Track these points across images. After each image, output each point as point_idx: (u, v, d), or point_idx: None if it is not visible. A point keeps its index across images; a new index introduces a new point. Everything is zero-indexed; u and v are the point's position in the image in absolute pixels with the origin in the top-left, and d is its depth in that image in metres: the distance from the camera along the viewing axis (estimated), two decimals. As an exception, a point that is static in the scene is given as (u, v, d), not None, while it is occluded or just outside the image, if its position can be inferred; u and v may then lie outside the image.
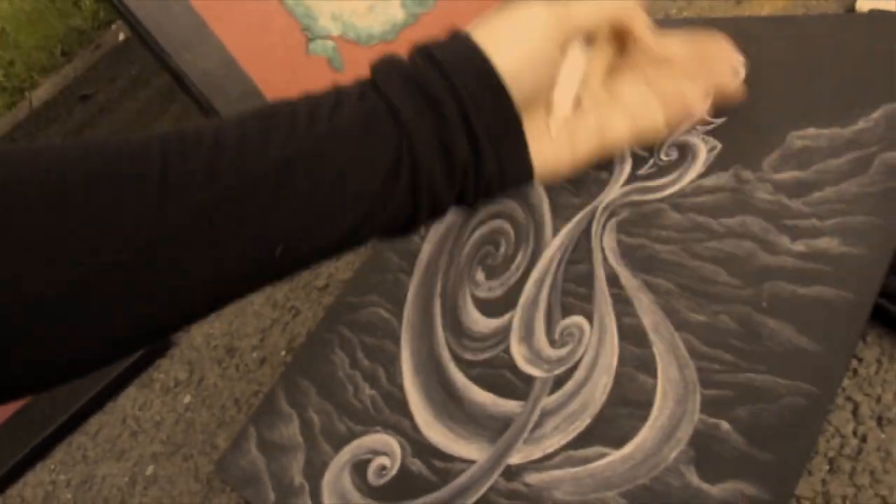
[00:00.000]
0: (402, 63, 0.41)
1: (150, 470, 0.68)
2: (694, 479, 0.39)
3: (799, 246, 0.44)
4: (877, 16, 0.56)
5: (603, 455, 0.43)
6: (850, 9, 0.60)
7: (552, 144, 0.46)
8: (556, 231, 0.54)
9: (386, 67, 0.41)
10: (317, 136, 0.37)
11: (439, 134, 0.39)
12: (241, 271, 0.37)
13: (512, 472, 0.44)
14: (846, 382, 0.45)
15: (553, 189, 0.57)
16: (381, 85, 0.39)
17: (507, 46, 0.41)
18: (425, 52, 0.41)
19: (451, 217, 0.62)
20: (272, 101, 0.41)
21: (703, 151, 0.52)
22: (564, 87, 0.46)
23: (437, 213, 0.42)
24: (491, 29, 0.42)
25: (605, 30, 0.47)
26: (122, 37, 1.54)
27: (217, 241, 0.35)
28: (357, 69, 0.79)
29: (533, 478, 0.44)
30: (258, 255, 0.36)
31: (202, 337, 0.75)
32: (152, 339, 0.38)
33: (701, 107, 0.49)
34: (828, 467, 0.43)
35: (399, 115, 0.38)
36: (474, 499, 0.45)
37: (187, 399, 0.70)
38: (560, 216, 0.55)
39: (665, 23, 0.67)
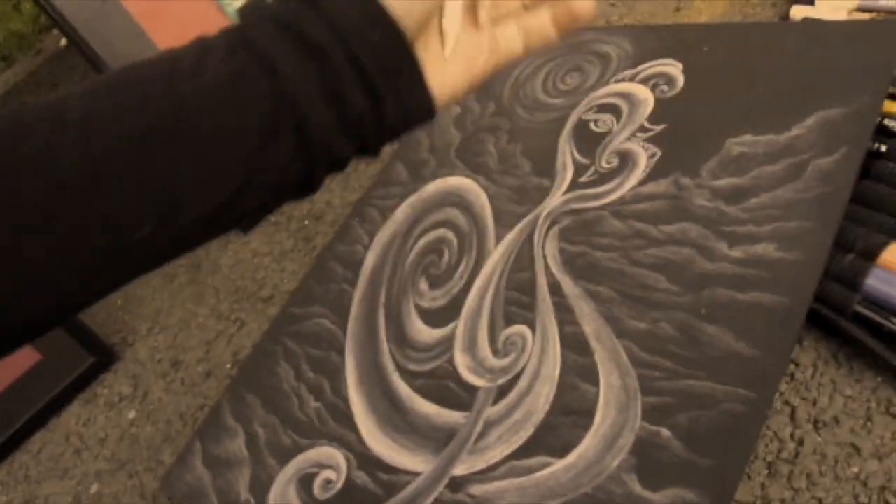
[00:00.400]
0: (273, 7, 0.36)
1: (94, 488, 0.66)
2: (636, 486, 0.40)
3: (736, 252, 0.45)
4: (810, 24, 0.57)
5: (546, 464, 0.43)
6: (785, 17, 0.61)
7: (447, 66, 0.42)
8: (498, 239, 0.54)
9: (256, 13, 0.36)
10: (175, 103, 0.34)
11: (327, 86, 0.35)
12: (99, 261, 0.33)
13: (456, 484, 0.44)
14: (783, 387, 0.46)
15: (496, 197, 0.57)
16: (252, 35, 0.35)
17: None
18: None
19: (395, 226, 0.62)
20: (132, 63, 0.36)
21: (644, 158, 0.52)
22: (452, 7, 0.42)
23: (338, 167, 0.38)
24: None
25: None
26: (63, 42, 1.51)
27: (58, 231, 0.32)
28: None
29: (477, 489, 0.44)
30: (116, 243, 0.33)
31: (146, 350, 0.74)
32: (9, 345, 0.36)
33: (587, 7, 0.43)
34: (766, 471, 0.44)
35: (276, 70, 0.34)
36: (420, 511, 0.44)
37: (132, 414, 0.69)
38: (503, 224, 0.55)
39: (607, 29, 0.67)
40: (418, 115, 0.39)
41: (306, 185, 0.38)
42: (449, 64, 0.42)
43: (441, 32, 0.42)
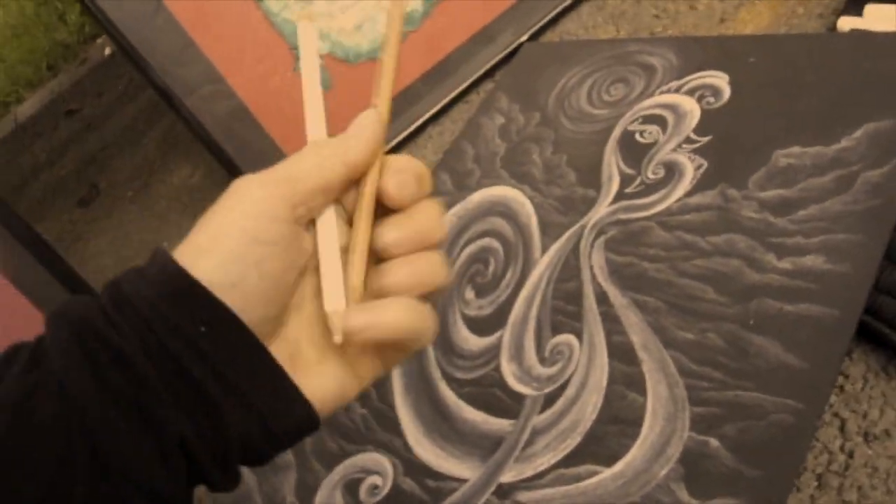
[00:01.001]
0: (80, 307, 0.29)
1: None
2: (684, 496, 0.40)
3: (785, 263, 0.45)
4: (858, 35, 0.57)
5: (594, 473, 0.43)
6: (832, 28, 0.61)
7: (328, 363, 0.33)
8: (544, 249, 0.54)
9: (59, 315, 0.29)
10: None
11: (129, 403, 0.27)
12: None
13: (504, 491, 0.45)
14: (833, 399, 0.45)
15: (541, 207, 0.57)
16: (49, 342, 0.28)
17: (213, 248, 0.29)
18: (115, 287, 0.29)
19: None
20: None
21: (690, 170, 0.52)
22: (331, 271, 0.33)
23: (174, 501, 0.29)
24: (196, 233, 0.30)
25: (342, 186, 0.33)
26: (108, 51, 1.54)
27: None
28: (346, 87, 0.79)
29: (524, 496, 0.44)
30: None
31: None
32: None
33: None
34: (816, 483, 0.44)
35: (65, 388, 0.27)
36: (466, 517, 0.45)
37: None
38: (549, 234, 0.55)
39: (651, 41, 0.68)
40: (289, 426, 0.31)
41: None
42: (333, 357, 0.33)
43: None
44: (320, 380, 0.32)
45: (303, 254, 0.32)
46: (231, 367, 0.29)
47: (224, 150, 0.76)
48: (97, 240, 1.00)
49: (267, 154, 0.77)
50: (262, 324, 0.30)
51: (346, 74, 0.78)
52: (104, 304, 0.29)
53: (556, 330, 0.50)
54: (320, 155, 0.32)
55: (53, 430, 0.27)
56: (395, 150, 0.82)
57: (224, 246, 0.29)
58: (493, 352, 0.52)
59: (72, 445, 0.27)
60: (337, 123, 0.79)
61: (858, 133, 0.48)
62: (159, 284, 0.29)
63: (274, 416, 0.29)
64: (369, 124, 0.33)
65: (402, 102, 0.82)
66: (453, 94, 0.83)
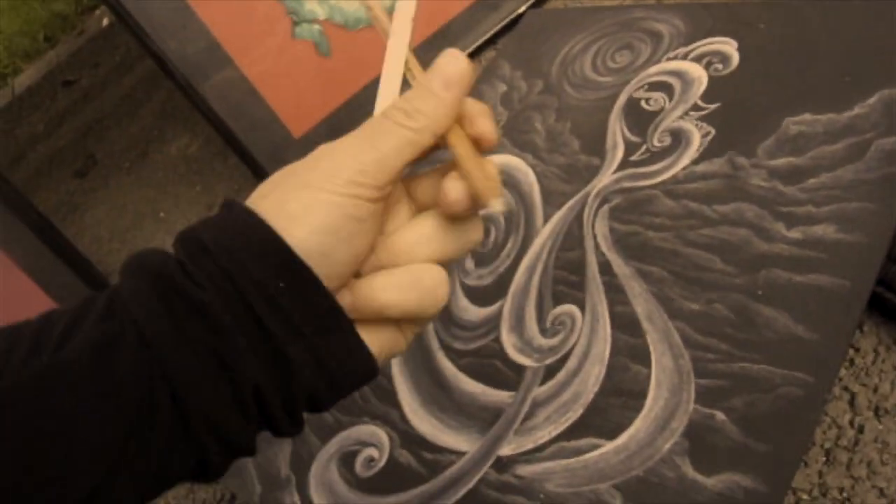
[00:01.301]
0: (157, 258, 0.30)
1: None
2: (689, 470, 0.39)
3: (794, 233, 0.44)
4: (872, 1, 0.55)
5: (596, 446, 0.42)
6: (846, -7, 0.59)
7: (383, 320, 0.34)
8: (547, 218, 0.53)
9: (135, 267, 0.30)
10: (22, 381, 0.28)
11: (210, 353, 0.29)
12: None
13: (503, 464, 0.44)
14: (843, 373, 0.44)
15: (544, 175, 0.56)
16: (127, 294, 0.29)
17: (306, 218, 0.31)
18: (192, 237, 0.30)
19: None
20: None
21: (697, 137, 0.51)
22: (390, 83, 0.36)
23: (241, 451, 0.31)
24: (283, 199, 0.32)
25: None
26: (105, 22, 1.52)
27: None
28: (344, 53, 0.78)
29: (524, 469, 0.43)
30: None
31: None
32: None
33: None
34: (825, 459, 0.42)
35: (145, 337, 0.28)
36: (465, 491, 0.44)
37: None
38: (551, 203, 0.54)
39: (658, 7, 0.66)
40: (350, 378, 0.32)
41: (201, 473, 0.31)
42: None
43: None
44: (377, 335, 0.33)
45: (382, 223, 0.34)
46: (308, 325, 0.30)
47: (221, 118, 0.74)
48: (94, 210, 0.98)
49: (264, 122, 0.76)
50: (336, 283, 0.32)
51: (345, 40, 0.77)
52: (181, 253, 0.30)
53: (558, 300, 0.49)
54: (410, 129, 0.33)
55: (134, 378, 0.28)
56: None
57: (317, 218, 0.31)
58: (493, 322, 0.50)
59: (153, 392, 0.28)
60: (336, 89, 0.77)
61: (872, 100, 0.47)
62: (241, 237, 0.30)
63: (342, 372, 0.31)
64: (451, 84, 0.33)
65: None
66: (454, 63, 0.81)
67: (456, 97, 0.33)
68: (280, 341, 0.30)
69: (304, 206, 0.31)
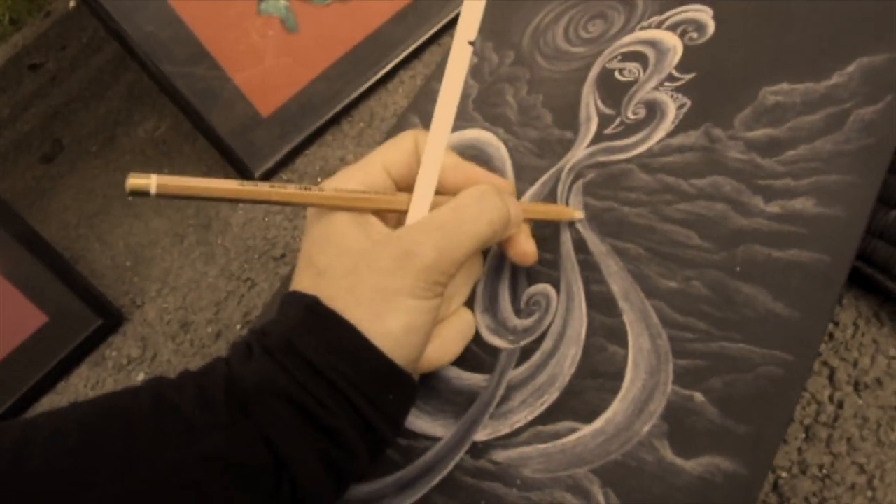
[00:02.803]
0: (283, 383, 0.34)
1: (104, 452, 0.65)
2: (668, 453, 0.38)
3: (773, 207, 0.43)
4: (850, -35, 0.53)
5: (573, 430, 0.41)
6: (822, -42, 0.57)
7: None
8: (520, 194, 0.51)
9: (263, 391, 0.34)
10: (160, 475, 0.31)
11: (338, 470, 0.35)
12: None
13: (478, 450, 0.42)
14: (822, 347, 0.43)
15: (516, 150, 0.54)
16: (255, 407, 0.33)
17: (389, 319, 0.36)
18: (304, 360, 0.35)
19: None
20: (108, 401, 0.34)
21: (673, 109, 0.50)
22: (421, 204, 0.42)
23: None
24: (365, 298, 0.36)
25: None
26: (72, 4, 1.49)
27: None
28: (312, 29, 0.76)
29: (500, 455, 0.42)
30: None
31: (155, 312, 0.72)
32: None
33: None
34: (804, 435, 0.42)
35: (283, 459, 0.33)
36: (440, 478, 0.43)
37: (141, 376, 0.68)
38: (524, 178, 0.52)
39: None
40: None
41: None
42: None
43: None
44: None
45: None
46: (400, 422, 0.39)
47: (187, 99, 0.72)
48: (61, 195, 0.96)
49: (231, 101, 0.74)
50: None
51: (313, 15, 0.75)
52: (299, 376, 0.34)
53: (532, 279, 0.47)
54: (466, 247, 0.39)
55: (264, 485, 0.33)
56: (365, 95, 0.79)
57: (408, 324, 0.36)
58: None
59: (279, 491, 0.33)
60: (304, 66, 0.76)
61: (851, 68, 0.45)
62: (352, 360, 0.35)
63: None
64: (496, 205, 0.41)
65: (372, 46, 0.78)
66: (425, 37, 0.79)
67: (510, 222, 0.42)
68: (387, 441, 0.38)
69: (399, 320, 0.36)
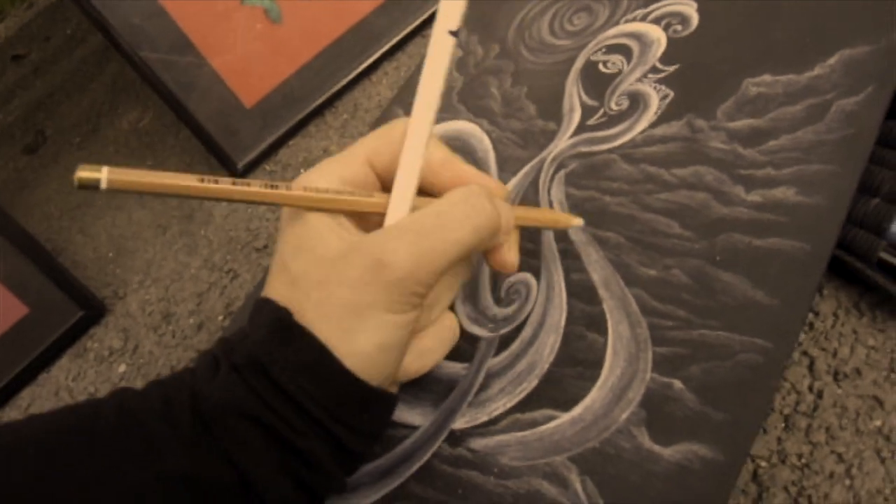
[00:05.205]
0: (250, 404, 0.33)
1: (83, 443, 0.65)
2: (646, 441, 0.38)
3: (754, 196, 0.43)
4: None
5: (551, 418, 0.41)
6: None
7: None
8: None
9: (229, 411, 0.32)
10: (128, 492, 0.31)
11: (299, 482, 0.34)
12: None
13: (456, 438, 0.42)
14: (802, 337, 0.43)
15: (500, 141, 0.54)
16: (230, 442, 0.32)
17: (361, 336, 0.33)
18: (271, 380, 0.33)
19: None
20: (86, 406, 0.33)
21: (655, 100, 0.50)
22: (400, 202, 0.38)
23: None
24: (329, 312, 0.33)
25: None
26: (57, -6, 1.48)
27: None
28: (296, 20, 0.75)
29: (478, 443, 0.42)
30: None
31: (137, 303, 0.71)
32: None
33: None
34: (783, 425, 0.42)
35: (258, 487, 0.32)
36: (417, 466, 0.42)
37: (122, 368, 0.67)
38: (507, 169, 0.52)
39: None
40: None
41: None
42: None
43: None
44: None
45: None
46: (378, 435, 0.38)
47: (170, 89, 0.72)
48: (44, 187, 0.95)
49: (214, 92, 0.73)
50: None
51: (297, 6, 0.74)
52: (266, 397, 0.33)
53: (513, 269, 0.47)
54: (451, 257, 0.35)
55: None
56: (349, 87, 0.79)
57: (383, 340, 0.34)
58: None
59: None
60: (287, 57, 0.75)
61: (832, 60, 0.46)
62: (321, 381, 0.33)
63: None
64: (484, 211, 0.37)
65: (356, 37, 0.78)
66: (410, 28, 0.79)
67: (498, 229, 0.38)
68: (361, 456, 0.36)
69: (371, 338, 0.33)
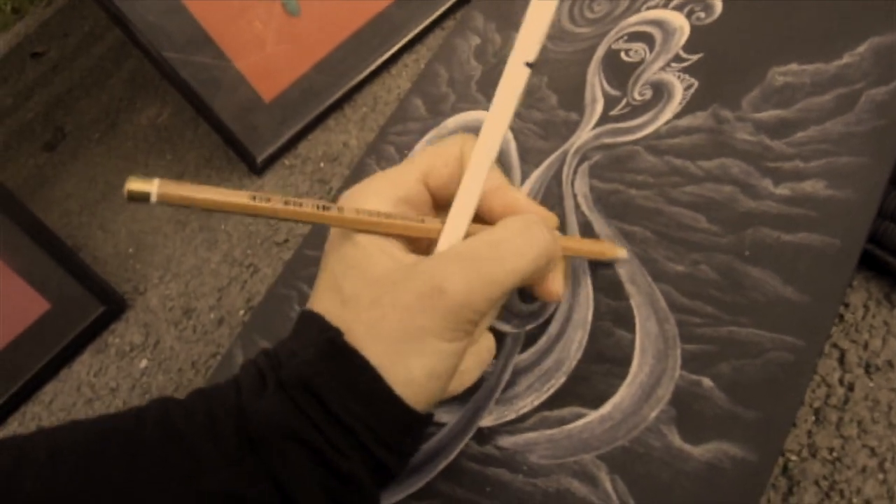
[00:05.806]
0: (297, 425, 0.32)
1: (108, 439, 0.65)
2: (675, 439, 0.37)
3: (782, 189, 0.42)
4: (860, -58, 0.53)
5: (579, 415, 0.40)
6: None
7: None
8: (525, 177, 0.51)
9: (275, 431, 0.32)
10: None
11: (337, 501, 0.33)
12: None
13: (484, 436, 0.42)
14: (832, 330, 0.43)
15: (521, 132, 0.54)
16: (275, 462, 0.32)
17: (414, 364, 0.33)
18: (320, 401, 0.32)
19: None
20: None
21: (679, 90, 0.49)
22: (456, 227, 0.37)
23: None
24: (382, 335, 0.33)
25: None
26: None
27: None
28: (314, 13, 0.75)
29: (506, 440, 0.41)
30: None
31: (158, 298, 0.72)
32: None
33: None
34: (814, 418, 0.41)
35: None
36: (445, 464, 0.42)
37: (143, 363, 0.67)
38: (529, 161, 0.52)
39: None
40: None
41: None
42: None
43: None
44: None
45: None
46: (416, 451, 0.38)
47: (189, 84, 0.72)
48: (63, 184, 0.96)
49: (233, 86, 0.73)
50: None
51: (316, 1, 0.74)
52: (314, 417, 0.32)
53: (538, 264, 0.47)
54: (497, 285, 0.34)
55: None
56: (368, 79, 0.78)
57: (435, 369, 0.33)
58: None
59: None
60: (306, 51, 0.75)
61: (862, 48, 0.45)
62: (375, 408, 0.33)
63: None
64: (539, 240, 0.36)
65: (375, 30, 0.78)
66: (429, 20, 0.78)
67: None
68: (397, 472, 0.35)
69: (423, 366, 0.33)
